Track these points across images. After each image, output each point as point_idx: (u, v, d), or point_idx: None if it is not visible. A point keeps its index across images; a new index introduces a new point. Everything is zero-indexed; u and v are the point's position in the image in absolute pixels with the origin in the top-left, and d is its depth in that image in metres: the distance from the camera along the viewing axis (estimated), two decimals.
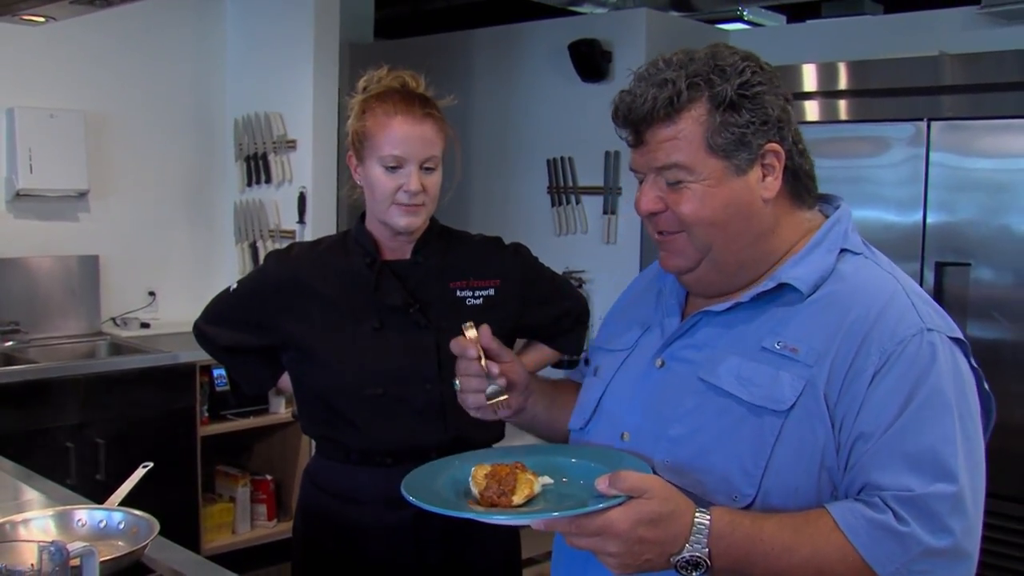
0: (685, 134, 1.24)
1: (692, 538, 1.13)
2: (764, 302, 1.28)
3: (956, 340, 1.23)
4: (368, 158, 1.84)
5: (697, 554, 1.13)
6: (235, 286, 2.01)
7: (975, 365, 1.26)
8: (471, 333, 1.40)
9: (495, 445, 1.92)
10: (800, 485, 1.20)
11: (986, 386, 1.28)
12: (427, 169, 1.83)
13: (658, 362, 1.35)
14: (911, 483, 1.13)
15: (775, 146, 1.26)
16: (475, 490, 1.25)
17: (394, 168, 1.81)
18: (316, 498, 1.94)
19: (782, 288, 1.27)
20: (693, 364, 1.30)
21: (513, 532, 1.99)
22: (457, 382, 1.42)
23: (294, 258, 1.96)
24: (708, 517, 1.14)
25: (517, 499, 1.21)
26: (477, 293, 1.92)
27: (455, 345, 1.41)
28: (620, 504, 1.12)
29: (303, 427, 2.01)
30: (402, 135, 1.80)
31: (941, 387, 1.17)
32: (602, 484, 1.14)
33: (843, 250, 1.29)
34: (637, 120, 1.25)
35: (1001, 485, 3.49)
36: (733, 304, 1.29)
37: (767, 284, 1.27)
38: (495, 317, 1.92)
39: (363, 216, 1.94)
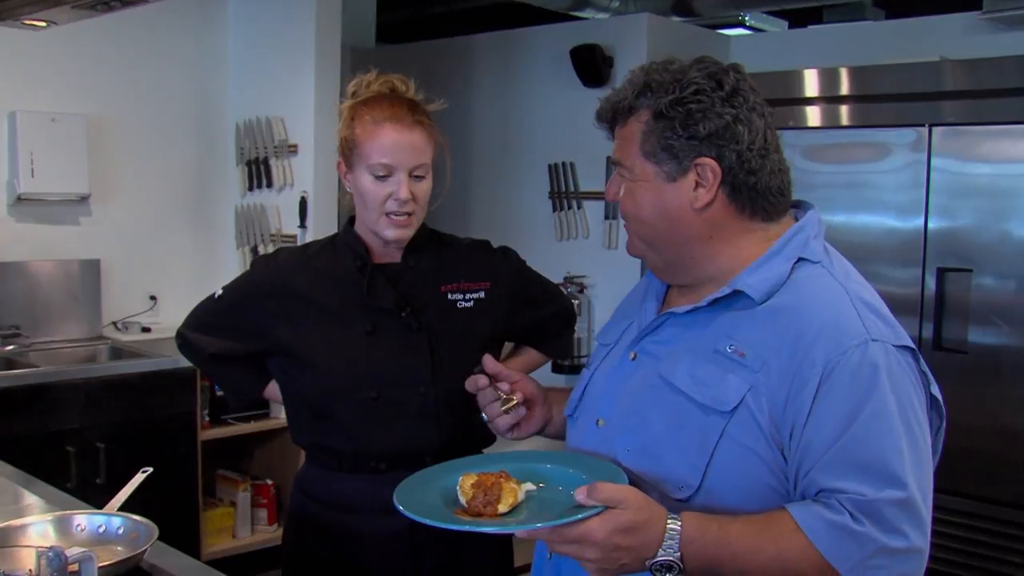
0: (628, 136, 1.37)
1: (665, 543, 1.21)
2: (721, 307, 1.35)
3: (903, 348, 1.29)
4: (357, 166, 1.83)
5: (670, 558, 1.21)
6: (220, 292, 1.98)
7: (925, 370, 1.32)
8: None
9: (485, 450, 1.92)
10: (742, 481, 1.28)
11: (934, 391, 1.33)
12: (416, 177, 1.81)
13: (631, 355, 1.44)
14: (863, 489, 1.20)
15: (709, 161, 1.32)
16: (463, 500, 1.30)
17: (383, 177, 1.79)
18: (308, 508, 1.92)
19: (737, 295, 1.34)
20: (657, 360, 1.39)
21: (507, 538, 1.99)
22: (484, 415, 1.58)
23: (282, 263, 1.94)
24: (679, 523, 1.22)
25: (502, 508, 1.27)
26: (468, 296, 1.91)
27: (469, 383, 1.59)
28: (597, 514, 1.19)
29: (293, 436, 1.99)
30: (391, 143, 1.79)
31: (885, 398, 1.23)
32: (580, 495, 1.21)
33: (800, 259, 1.35)
34: (602, 119, 1.41)
35: (999, 491, 3.50)
36: (692, 308, 1.37)
37: (724, 290, 1.34)
38: (486, 320, 1.91)
39: (352, 220, 1.93)
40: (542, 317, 2.05)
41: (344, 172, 1.89)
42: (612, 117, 1.40)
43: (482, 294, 1.92)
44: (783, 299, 1.31)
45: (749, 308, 1.32)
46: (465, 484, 1.31)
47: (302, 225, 4.24)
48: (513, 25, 4.99)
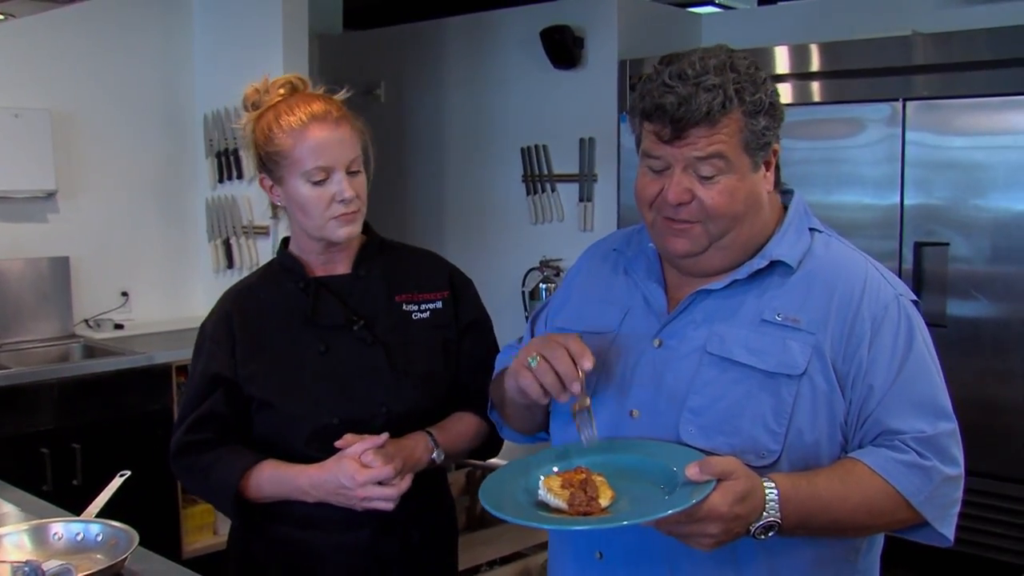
0: (727, 132, 1.34)
1: (767, 506, 1.26)
2: (757, 278, 1.41)
3: (914, 301, 1.43)
4: (289, 176, 1.72)
5: (772, 519, 1.26)
6: (187, 382, 1.87)
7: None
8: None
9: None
10: (817, 439, 1.35)
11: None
12: (352, 173, 1.73)
13: (656, 342, 1.43)
14: (922, 426, 1.34)
15: (776, 144, 1.41)
16: (557, 501, 1.27)
17: (321, 181, 1.70)
18: (265, 526, 1.79)
19: (773, 265, 1.40)
20: (695, 340, 1.40)
21: (455, 545, 1.94)
22: (536, 359, 1.35)
23: (223, 308, 1.83)
24: (774, 484, 1.27)
25: (603, 502, 1.26)
26: (424, 307, 1.82)
27: (579, 351, 1.35)
28: (714, 489, 1.21)
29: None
30: (322, 143, 1.70)
31: (921, 344, 1.38)
32: (692, 471, 1.22)
33: (810, 229, 1.45)
34: (685, 119, 1.32)
35: (979, 462, 3.51)
36: (731, 281, 1.40)
37: (760, 262, 1.40)
38: (443, 331, 1.82)
39: (286, 240, 1.86)
40: (481, 352, 1.85)
41: (269, 186, 1.78)
42: (713, 118, 1.32)
43: (439, 304, 1.83)
44: (813, 266, 1.41)
45: (783, 277, 1.40)
46: (553, 486, 1.28)
47: (274, 216, 4.18)
48: (482, 8, 4.94)
